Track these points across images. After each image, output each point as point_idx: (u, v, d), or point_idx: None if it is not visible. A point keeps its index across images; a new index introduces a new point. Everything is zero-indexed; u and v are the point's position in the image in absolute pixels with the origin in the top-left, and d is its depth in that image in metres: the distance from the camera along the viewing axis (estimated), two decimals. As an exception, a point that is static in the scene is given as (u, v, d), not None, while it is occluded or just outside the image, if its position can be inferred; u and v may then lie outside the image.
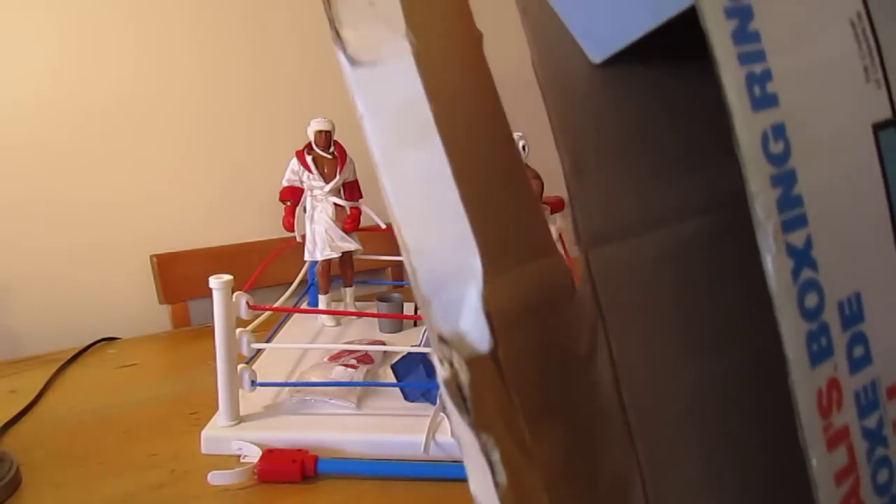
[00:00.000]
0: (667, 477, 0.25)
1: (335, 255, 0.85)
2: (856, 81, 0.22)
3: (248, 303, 0.61)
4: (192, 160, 1.06)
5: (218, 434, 0.60)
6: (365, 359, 0.71)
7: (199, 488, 0.54)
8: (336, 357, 0.71)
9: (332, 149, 0.84)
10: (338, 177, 0.83)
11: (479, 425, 0.21)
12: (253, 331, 0.63)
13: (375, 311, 0.87)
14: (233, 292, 0.60)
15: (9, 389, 0.73)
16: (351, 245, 0.85)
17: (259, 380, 0.63)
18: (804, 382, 0.20)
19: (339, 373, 0.67)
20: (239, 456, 0.57)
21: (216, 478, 0.53)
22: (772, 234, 0.20)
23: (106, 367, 0.81)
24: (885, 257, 0.22)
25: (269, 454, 0.56)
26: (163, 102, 1.02)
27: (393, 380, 0.66)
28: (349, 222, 0.86)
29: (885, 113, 0.22)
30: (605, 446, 0.25)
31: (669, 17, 0.24)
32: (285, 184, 0.85)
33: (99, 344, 0.87)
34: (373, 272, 1.14)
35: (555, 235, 0.82)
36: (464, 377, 0.21)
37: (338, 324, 0.87)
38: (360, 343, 0.77)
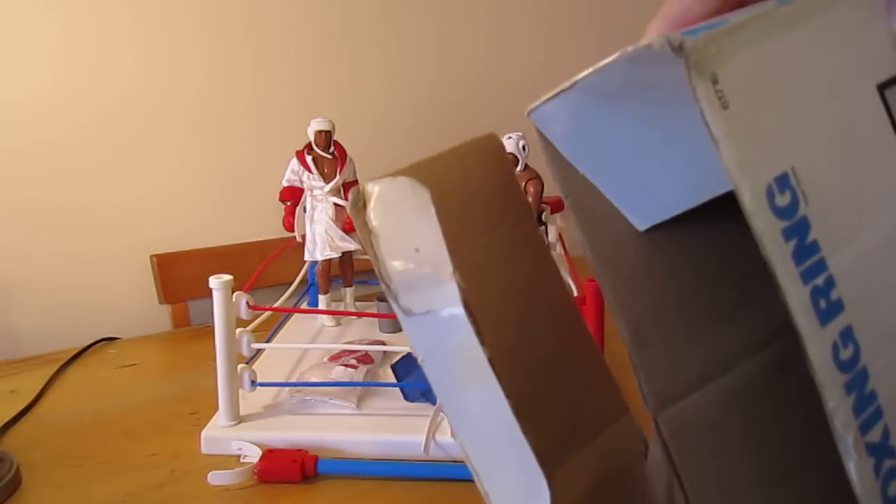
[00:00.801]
0: None
1: (335, 255, 0.85)
2: None
3: (248, 303, 0.61)
4: (191, 160, 1.06)
5: (218, 434, 0.60)
6: (365, 359, 0.71)
7: (199, 488, 0.54)
8: (336, 357, 0.71)
9: (332, 149, 0.84)
10: (338, 177, 0.83)
11: None
12: (253, 331, 0.63)
13: (375, 311, 0.87)
14: (233, 292, 0.60)
15: (9, 389, 0.73)
16: (351, 245, 0.85)
17: (259, 380, 0.63)
18: None
19: (339, 373, 0.67)
20: (239, 456, 0.57)
21: (216, 478, 0.53)
22: (853, 445, 0.20)
23: (106, 367, 0.81)
24: None
25: (269, 454, 0.56)
26: (163, 102, 1.02)
27: (393, 380, 0.66)
28: (349, 222, 0.86)
29: None
30: None
31: (710, 197, 0.24)
32: (285, 184, 0.85)
33: (99, 344, 0.87)
34: (373, 272, 1.13)
35: (554, 236, 0.82)
36: None
37: (338, 324, 0.87)
38: (360, 343, 0.77)
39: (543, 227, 0.77)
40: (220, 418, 0.61)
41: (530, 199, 0.73)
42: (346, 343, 0.77)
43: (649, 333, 0.27)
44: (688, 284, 0.29)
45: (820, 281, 0.20)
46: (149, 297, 1.02)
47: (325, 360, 0.71)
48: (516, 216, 0.28)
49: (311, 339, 0.83)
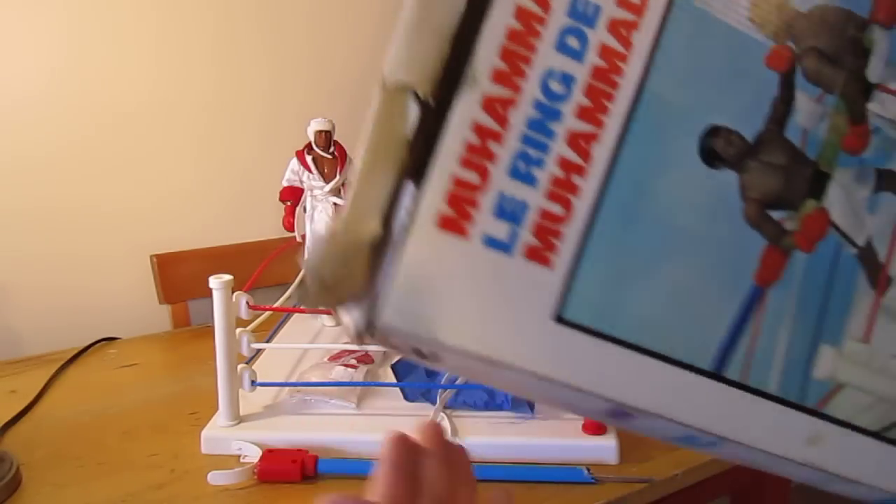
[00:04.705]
0: None
1: (335, 255, 0.84)
2: None
3: (248, 303, 0.61)
4: (192, 161, 1.06)
5: (218, 434, 0.60)
6: (365, 359, 0.71)
7: (199, 488, 0.54)
8: (336, 357, 0.71)
9: (332, 149, 0.84)
10: (338, 177, 0.83)
11: None
12: (253, 331, 0.63)
13: (375, 311, 0.87)
14: (233, 292, 0.60)
15: (9, 389, 0.73)
16: (351, 245, 0.85)
17: (259, 380, 0.63)
18: None
19: (339, 373, 0.67)
20: (239, 456, 0.57)
21: (216, 478, 0.53)
22: None
23: (106, 367, 0.81)
24: None
25: (269, 454, 0.56)
26: (163, 104, 1.02)
27: (393, 380, 0.66)
28: (349, 222, 0.86)
29: None
30: None
31: None
32: (285, 184, 0.85)
33: (99, 344, 0.87)
34: (373, 272, 1.14)
35: None
36: None
37: (338, 324, 0.87)
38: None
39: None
40: (220, 418, 0.61)
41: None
42: (346, 343, 0.77)
43: None
44: None
45: None
46: (149, 297, 1.02)
47: (325, 360, 0.71)
48: None
49: (311, 339, 0.83)
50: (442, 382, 0.65)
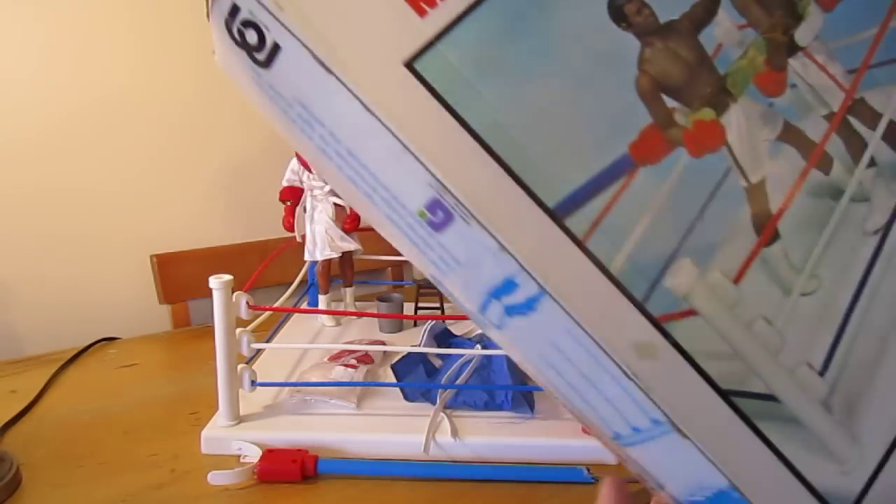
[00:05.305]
0: None
1: (335, 255, 0.85)
2: None
3: (248, 303, 0.61)
4: (192, 160, 1.06)
5: (218, 434, 0.60)
6: (365, 359, 0.71)
7: (199, 488, 0.54)
8: (336, 357, 0.71)
9: (332, 149, 0.84)
10: (338, 177, 0.83)
11: None
12: (253, 331, 0.63)
13: (375, 311, 0.87)
14: (233, 292, 0.60)
15: (9, 389, 0.73)
16: (351, 245, 0.85)
17: (259, 380, 0.63)
18: None
19: (339, 373, 0.67)
20: (239, 456, 0.57)
21: (216, 478, 0.53)
22: None
23: (106, 367, 0.81)
24: None
25: (269, 454, 0.56)
26: (163, 103, 1.02)
27: (393, 380, 0.66)
28: (349, 222, 0.86)
29: None
30: None
31: None
32: (285, 184, 0.85)
33: (99, 344, 0.87)
34: (373, 272, 1.14)
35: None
36: None
37: (338, 324, 0.87)
38: (360, 343, 0.77)
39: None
40: (220, 418, 0.61)
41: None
42: (346, 343, 0.77)
43: None
44: None
45: None
46: (149, 297, 1.02)
47: (325, 360, 0.71)
48: None
49: (311, 339, 0.83)
50: (441, 381, 0.65)
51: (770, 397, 0.23)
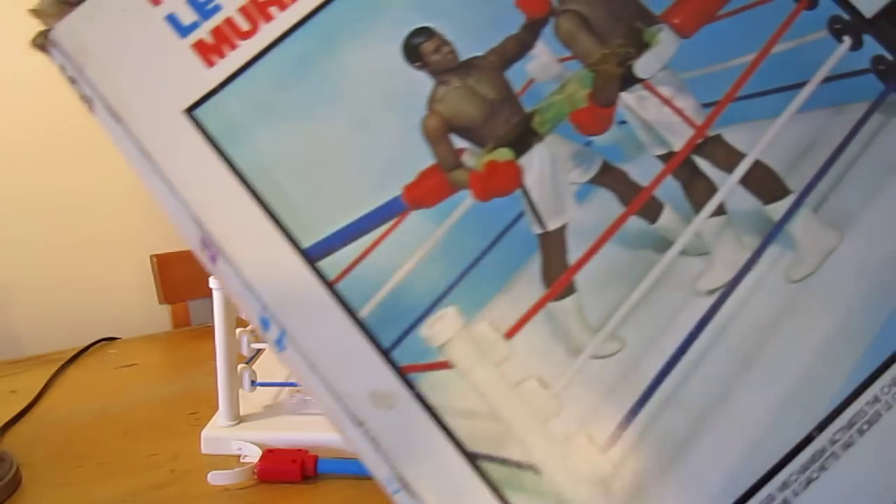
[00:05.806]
0: None
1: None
2: None
3: (248, 303, 0.61)
4: (192, 160, 1.06)
5: (218, 434, 0.60)
6: (365, 359, 0.71)
7: (199, 488, 0.54)
8: (336, 357, 0.71)
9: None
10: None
11: None
12: (253, 331, 0.63)
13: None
14: (233, 292, 0.60)
15: (9, 389, 0.73)
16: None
17: (259, 380, 0.63)
18: None
19: (339, 373, 0.67)
20: (239, 456, 0.57)
21: (216, 478, 0.53)
22: None
23: (106, 367, 0.81)
24: None
25: (269, 454, 0.55)
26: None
27: (393, 380, 0.66)
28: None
29: None
30: None
31: None
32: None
33: (99, 344, 0.87)
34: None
35: None
36: None
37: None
38: (360, 343, 0.77)
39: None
40: (220, 418, 0.61)
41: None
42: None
43: None
44: None
45: None
46: (149, 297, 1.02)
47: (325, 360, 0.71)
48: None
49: (311, 339, 0.83)
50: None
51: (529, 467, 0.21)
